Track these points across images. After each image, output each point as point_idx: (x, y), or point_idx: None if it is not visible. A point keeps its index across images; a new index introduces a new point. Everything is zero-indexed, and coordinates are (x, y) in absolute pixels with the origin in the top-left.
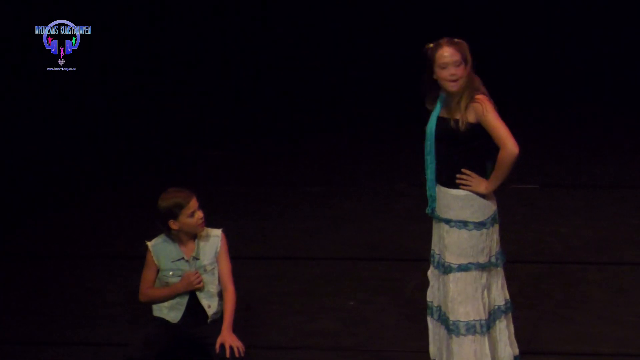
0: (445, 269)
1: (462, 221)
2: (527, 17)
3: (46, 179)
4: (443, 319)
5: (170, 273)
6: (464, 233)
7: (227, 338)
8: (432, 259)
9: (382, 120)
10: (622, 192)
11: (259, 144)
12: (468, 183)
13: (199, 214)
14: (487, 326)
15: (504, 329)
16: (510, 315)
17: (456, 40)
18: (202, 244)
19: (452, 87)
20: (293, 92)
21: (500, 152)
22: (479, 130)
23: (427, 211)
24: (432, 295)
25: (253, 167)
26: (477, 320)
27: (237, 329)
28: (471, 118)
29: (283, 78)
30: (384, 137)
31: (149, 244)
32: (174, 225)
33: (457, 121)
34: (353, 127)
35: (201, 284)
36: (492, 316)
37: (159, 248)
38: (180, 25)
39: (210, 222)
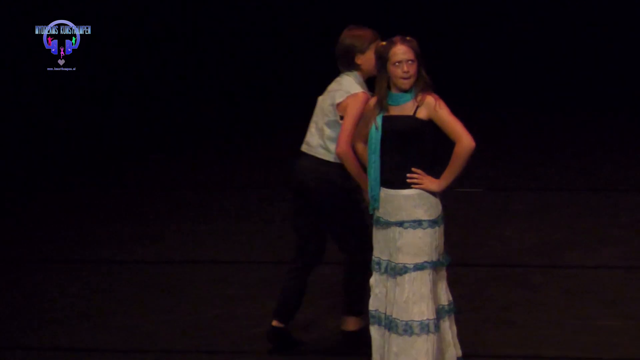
0: (399, 271)
1: (417, 220)
2: (479, 18)
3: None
4: (392, 324)
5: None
6: (418, 232)
7: None
8: (377, 267)
9: None
10: (566, 195)
11: (202, 147)
12: (420, 181)
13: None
14: (437, 326)
15: (447, 329)
16: (453, 316)
17: (408, 38)
18: None
19: (405, 84)
20: (235, 95)
21: (457, 147)
22: (430, 128)
23: (370, 211)
24: (377, 304)
25: (197, 171)
26: (430, 320)
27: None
28: (423, 114)
29: (223, 80)
30: None
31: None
32: (358, 59)
33: (407, 118)
34: (295, 130)
35: None
36: (437, 315)
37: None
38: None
39: (152, 226)
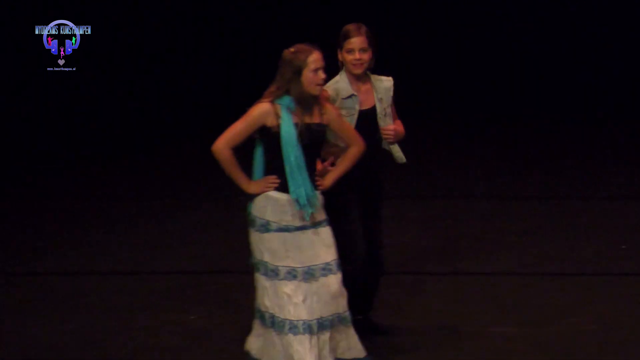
0: (338, 267)
1: (326, 218)
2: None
3: None
4: (332, 322)
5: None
6: (329, 228)
7: None
8: (289, 276)
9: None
10: (460, 202)
11: (102, 157)
12: (322, 182)
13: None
14: None
15: None
16: None
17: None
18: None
19: (319, 91)
20: (133, 106)
21: (353, 149)
22: None
23: (307, 218)
24: (308, 311)
25: (95, 181)
26: None
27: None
28: (326, 120)
29: (122, 90)
30: None
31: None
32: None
33: (322, 125)
34: (194, 140)
35: None
36: None
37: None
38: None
39: (49, 236)
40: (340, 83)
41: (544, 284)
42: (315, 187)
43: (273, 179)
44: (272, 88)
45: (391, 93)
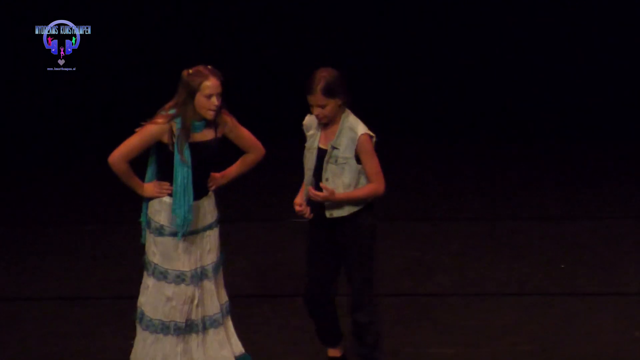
0: (220, 265)
1: (217, 219)
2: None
3: None
4: (212, 321)
5: None
6: (218, 227)
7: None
8: (178, 279)
9: None
10: (394, 224)
11: (32, 181)
12: (214, 184)
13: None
14: None
15: None
16: None
17: (209, 66)
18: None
19: (212, 115)
20: (59, 125)
21: (255, 154)
22: None
23: (179, 237)
24: (193, 313)
25: (27, 206)
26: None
27: None
28: (220, 132)
29: (46, 106)
30: None
31: None
32: None
33: (214, 141)
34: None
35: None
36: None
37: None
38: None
39: None
40: (313, 118)
41: (481, 304)
42: (206, 191)
43: (167, 186)
44: (168, 106)
45: (354, 146)
